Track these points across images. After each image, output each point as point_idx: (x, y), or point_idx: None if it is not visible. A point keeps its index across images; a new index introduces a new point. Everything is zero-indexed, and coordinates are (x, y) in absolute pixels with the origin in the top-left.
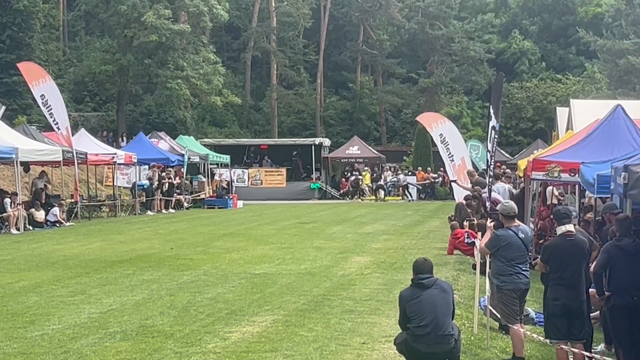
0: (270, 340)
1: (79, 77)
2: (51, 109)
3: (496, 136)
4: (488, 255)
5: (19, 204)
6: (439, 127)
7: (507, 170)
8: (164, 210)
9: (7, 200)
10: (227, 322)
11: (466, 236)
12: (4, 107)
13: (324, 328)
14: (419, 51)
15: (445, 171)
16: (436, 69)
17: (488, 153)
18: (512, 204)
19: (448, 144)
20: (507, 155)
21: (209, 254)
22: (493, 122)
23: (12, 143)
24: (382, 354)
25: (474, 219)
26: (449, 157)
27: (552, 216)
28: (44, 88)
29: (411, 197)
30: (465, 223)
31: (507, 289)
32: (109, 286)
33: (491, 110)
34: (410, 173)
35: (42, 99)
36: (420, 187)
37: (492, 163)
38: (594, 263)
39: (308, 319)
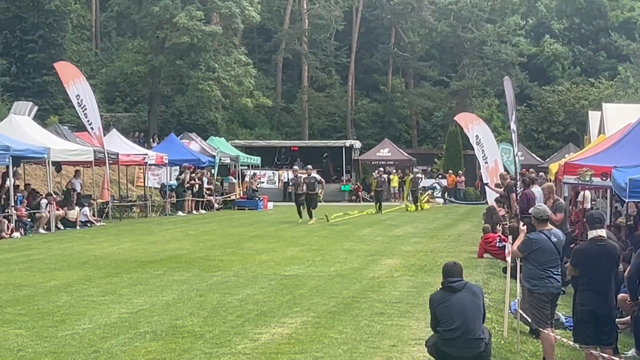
0: (299, 342)
1: (111, 77)
2: (85, 109)
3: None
4: (519, 259)
5: (51, 204)
6: (475, 128)
7: (541, 174)
8: (194, 211)
9: (44, 202)
10: (256, 324)
11: (498, 240)
12: (35, 107)
13: (354, 330)
14: (451, 54)
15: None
16: (467, 72)
17: (516, 157)
18: (545, 207)
19: (483, 146)
20: (538, 159)
21: (239, 255)
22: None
23: (44, 143)
24: (411, 357)
25: (507, 222)
26: (484, 159)
27: (584, 220)
28: (79, 88)
29: (446, 200)
30: (499, 227)
31: (538, 292)
32: (139, 286)
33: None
34: (440, 176)
35: (78, 99)
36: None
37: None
38: (629, 267)
39: (338, 321)
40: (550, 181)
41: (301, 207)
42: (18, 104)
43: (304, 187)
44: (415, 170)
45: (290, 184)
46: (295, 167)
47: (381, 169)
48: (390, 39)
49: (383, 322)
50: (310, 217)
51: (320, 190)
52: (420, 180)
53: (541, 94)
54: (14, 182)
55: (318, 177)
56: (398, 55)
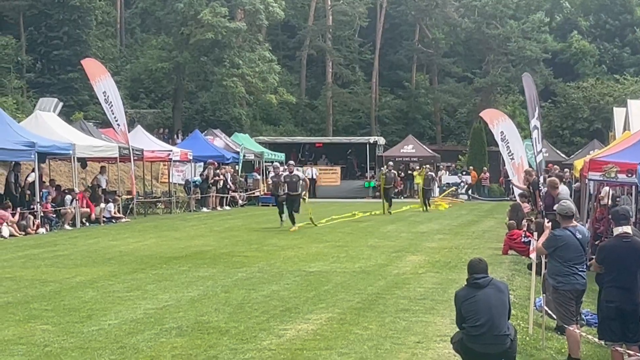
0: (324, 338)
1: (136, 74)
2: (112, 105)
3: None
4: (544, 256)
5: (77, 200)
6: (500, 124)
7: (566, 170)
8: (219, 208)
9: (68, 197)
10: (281, 320)
11: (523, 235)
12: (61, 104)
13: (379, 326)
14: (475, 50)
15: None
16: (492, 68)
17: (540, 154)
18: (570, 203)
19: (508, 142)
20: (563, 156)
21: (263, 251)
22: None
23: (70, 139)
24: (436, 353)
25: (532, 218)
26: (509, 155)
27: (609, 217)
28: (105, 84)
29: (470, 197)
30: (525, 222)
31: (563, 289)
32: (164, 282)
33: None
34: (464, 172)
35: (104, 96)
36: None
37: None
38: None
39: (363, 317)
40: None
41: (283, 209)
42: (43, 100)
43: (285, 186)
44: (427, 166)
45: (270, 182)
46: (291, 162)
47: (390, 163)
48: (414, 35)
49: (408, 319)
50: (293, 222)
51: (304, 192)
52: (432, 178)
53: (566, 91)
54: (40, 178)
55: (301, 174)
56: (422, 52)
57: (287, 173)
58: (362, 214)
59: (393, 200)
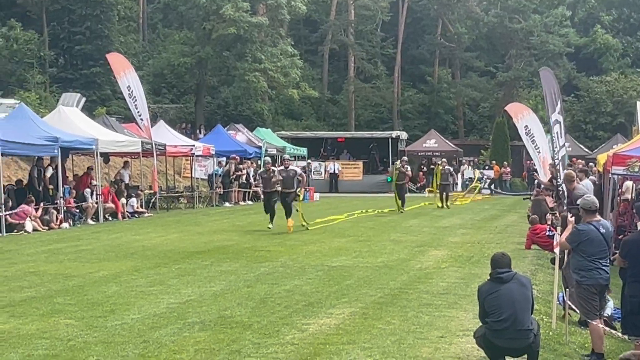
0: (347, 333)
1: (158, 69)
2: (136, 100)
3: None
4: (567, 250)
5: (98, 194)
6: (524, 118)
7: (591, 165)
8: (241, 202)
9: (88, 191)
10: (304, 314)
11: (548, 229)
12: (84, 99)
13: (402, 321)
14: (498, 45)
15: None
16: (515, 62)
17: (563, 148)
18: (593, 198)
19: (533, 136)
20: (586, 150)
21: (286, 246)
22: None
23: (93, 134)
24: (459, 348)
25: (556, 212)
26: (536, 150)
27: (633, 211)
28: (130, 79)
29: (492, 191)
30: (549, 216)
31: (586, 284)
32: (187, 277)
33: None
34: (487, 167)
35: (128, 90)
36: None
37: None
38: None
39: (385, 311)
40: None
41: (273, 208)
42: (66, 95)
43: (279, 183)
44: (443, 161)
45: (259, 178)
46: (286, 155)
47: (404, 158)
48: (436, 29)
49: (431, 313)
50: (289, 216)
51: (299, 189)
52: (450, 173)
53: (589, 85)
54: (63, 173)
55: (298, 170)
56: (444, 46)
57: (281, 168)
58: (360, 213)
59: (409, 195)
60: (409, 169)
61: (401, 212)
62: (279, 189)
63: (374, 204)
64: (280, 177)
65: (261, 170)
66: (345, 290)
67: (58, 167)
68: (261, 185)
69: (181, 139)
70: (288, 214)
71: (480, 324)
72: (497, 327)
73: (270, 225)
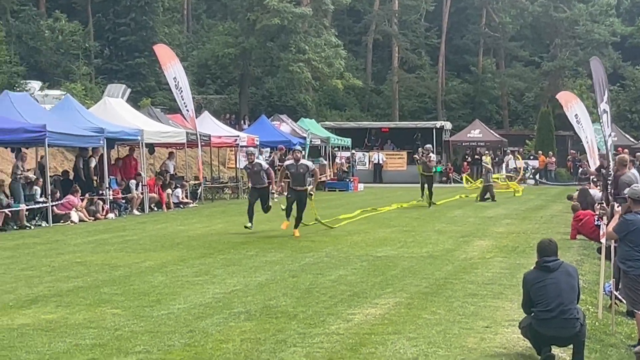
0: (392, 323)
1: (202, 60)
2: (182, 91)
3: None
4: (614, 240)
5: (145, 185)
6: (574, 106)
7: (638, 154)
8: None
9: (133, 182)
10: (349, 304)
11: (596, 218)
12: (129, 90)
13: (447, 311)
14: (542, 34)
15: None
16: (559, 52)
17: (610, 137)
18: None
19: (582, 126)
20: (632, 140)
21: (330, 236)
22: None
23: (138, 125)
24: (505, 338)
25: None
26: (585, 139)
27: None
28: (176, 70)
29: (537, 182)
30: (597, 206)
31: (634, 274)
32: (232, 267)
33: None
34: (532, 157)
35: (175, 81)
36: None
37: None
38: None
39: (430, 302)
40: None
41: (254, 206)
42: (111, 86)
43: (291, 179)
44: (483, 157)
45: (246, 171)
46: (297, 147)
47: (427, 146)
48: (480, 19)
49: (476, 304)
50: (298, 222)
51: (311, 187)
52: (490, 172)
53: (634, 74)
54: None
55: (310, 164)
56: (489, 36)
57: (291, 162)
58: (372, 210)
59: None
60: (432, 157)
61: (433, 204)
62: (266, 184)
63: (417, 194)
64: (291, 173)
65: (245, 163)
66: (390, 281)
67: (103, 158)
68: (248, 179)
69: (225, 129)
70: (299, 219)
71: (524, 314)
72: (544, 316)
73: (248, 225)
